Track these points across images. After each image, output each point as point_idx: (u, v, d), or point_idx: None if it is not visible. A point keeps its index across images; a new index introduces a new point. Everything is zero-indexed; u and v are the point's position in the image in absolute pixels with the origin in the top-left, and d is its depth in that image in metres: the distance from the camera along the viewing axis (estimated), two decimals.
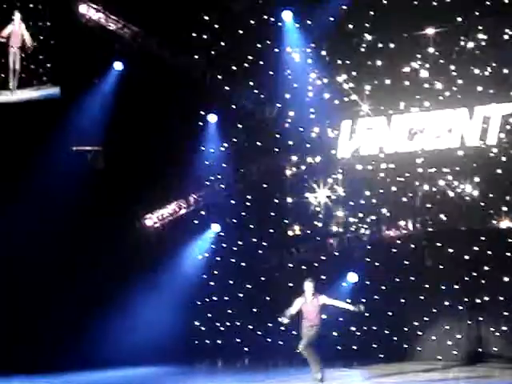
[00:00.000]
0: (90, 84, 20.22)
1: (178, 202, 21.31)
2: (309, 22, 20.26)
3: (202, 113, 21.23)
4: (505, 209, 18.63)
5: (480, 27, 18.87)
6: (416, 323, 19.57)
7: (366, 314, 19.50)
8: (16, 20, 19.71)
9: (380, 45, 19.82)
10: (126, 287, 19.40)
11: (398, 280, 19.69)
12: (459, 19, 19.04)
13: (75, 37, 19.82)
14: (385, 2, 19.69)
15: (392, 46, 19.70)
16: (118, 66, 20.69)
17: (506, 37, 18.71)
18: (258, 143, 21.09)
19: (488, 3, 18.81)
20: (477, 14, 18.87)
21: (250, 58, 20.93)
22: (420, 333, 19.55)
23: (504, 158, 18.71)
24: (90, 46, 19.76)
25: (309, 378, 15.22)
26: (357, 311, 15.40)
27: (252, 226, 21.14)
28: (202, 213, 21.42)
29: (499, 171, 18.74)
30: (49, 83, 19.72)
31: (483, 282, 19.03)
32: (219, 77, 20.99)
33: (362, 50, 19.96)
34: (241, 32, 20.85)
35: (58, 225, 19.09)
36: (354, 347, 19.87)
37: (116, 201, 20.19)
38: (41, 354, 18.18)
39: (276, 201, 20.97)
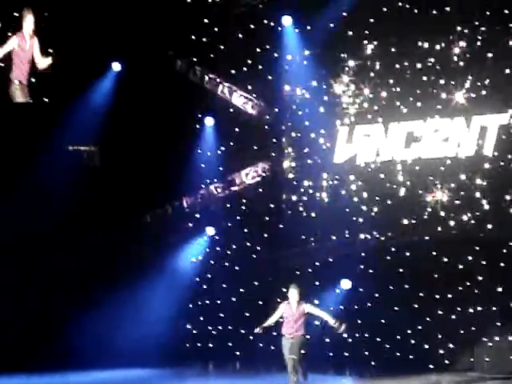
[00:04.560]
0: (87, 84, 20.17)
1: (174, 204, 21.30)
2: (308, 28, 20.25)
3: (200, 115, 21.22)
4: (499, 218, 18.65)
5: (479, 37, 18.89)
6: (409, 331, 19.53)
7: (358, 321, 19.64)
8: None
9: (379, 52, 19.83)
10: (118, 288, 19.34)
11: (391, 288, 19.66)
12: (459, 28, 19.07)
13: (73, 35, 19.75)
14: (385, 9, 19.69)
15: (391, 53, 19.69)
16: (116, 66, 20.68)
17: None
18: (255, 147, 21.07)
19: (488, 13, 18.83)
20: (476, 23, 18.90)
21: (248, 61, 20.92)
22: (412, 341, 19.52)
23: (500, 169, 18.72)
24: (89, 45, 19.71)
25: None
26: (336, 329, 14.65)
27: (247, 230, 21.11)
28: (197, 216, 21.39)
29: (495, 181, 18.75)
30: None
31: (476, 291, 19.02)
32: (218, 80, 21.00)
33: (361, 56, 19.96)
34: (240, 36, 20.86)
35: (52, 224, 19.04)
36: (346, 354, 19.83)
37: (111, 200, 20.16)
38: (23, 354, 18.09)
39: (271, 205, 20.94)
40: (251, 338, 20.48)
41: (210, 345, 21.07)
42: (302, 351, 14.53)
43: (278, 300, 15.16)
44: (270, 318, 14.71)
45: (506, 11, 18.65)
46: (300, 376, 14.43)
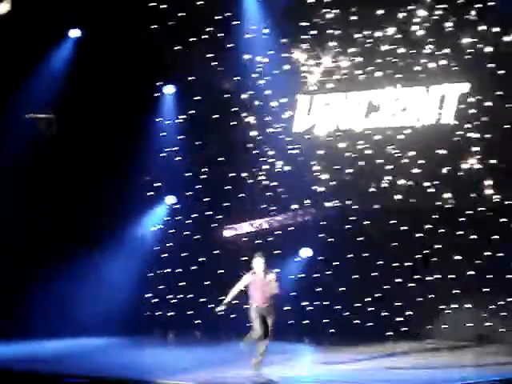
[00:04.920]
0: (45, 50, 19.92)
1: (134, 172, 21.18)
2: None
3: (159, 83, 21.07)
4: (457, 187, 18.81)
5: (439, 6, 18.93)
6: (367, 299, 19.66)
7: (318, 289, 19.75)
8: None
9: (339, 21, 19.79)
10: (77, 257, 19.27)
11: (350, 256, 19.76)
12: None
13: (32, 2, 19.49)
14: None
15: (351, 22, 19.66)
16: (74, 33, 20.43)
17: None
18: (216, 116, 20.99)
19: None
20: None
21: (209, 29, 20.77)
22: (370, 309, 19.65)
23: (459, 138, 18.85)
24: (47, 12, 19.45)
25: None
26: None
27: (207, 199, 21.07)
28: (157, 184, 21.32)
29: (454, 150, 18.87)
30: None
31: (434, 260, 19.17)
32: (177, 48, 20.85)
33: (321, 24, 19.91)
34: (200, 3, 20.67)
35: (8, 194, 18.86)
36: (305, 322, 19.93)
37: (69, 170, 20.00)
38: None
39: (232, 174, 20.92)
40: (211, 306, 20.53)
41: (170, 313, 21.08)
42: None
43: (243, 273, 14.89)
44: (232, 291, 14.43)
45: None
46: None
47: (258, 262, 14.32)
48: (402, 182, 19.32)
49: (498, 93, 18.54)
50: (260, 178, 20.57)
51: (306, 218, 20.17)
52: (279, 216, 20.54)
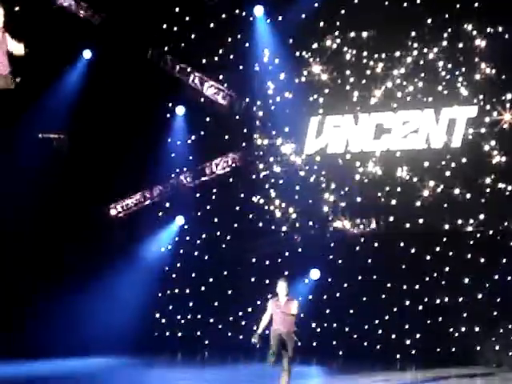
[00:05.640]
0: (58, 71, 20.06)
1: (143, 193, 21.28)
2: (280, 18, 20.27)
3: (170, 105, 21.19)
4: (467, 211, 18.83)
5: (449, 30, 19.03)
6: (376, 322, 19.66)
7: (327, 311, 19.74)
8: None
9: (350, 43, 19.89)
10: (88, 277, 19.30)
11: (360, 278, 19.77)
12: (429, 21, 19.18)
13: (44, 23, 19.64)
14: (356, 1, 19.76)
15: (361, 45, 19.77)
16: (87, 54, 20.61)
17: (476, 42, 18.83)
18: (226, 137, 21.07)
19: (458, 6, 18.96)
20: (446, 16, 19.03)
21: (220, 51, 20.90)
22: (380, 331, 19.64)
23: (466, 160, 18.89)
24: (60, 33, 19.61)
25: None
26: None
27: (216, 220, 21.12)
28: (167, 205, 21.39)
29: (463, 173, 18.90)
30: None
31: (443, 282, 19.17)
32: (189, 69, 20.98)
33: (332, 47, 20.01)
34: (211, 25, 20.81)
35: (20, 212, 18.94)
36: (314, 344, 19.92)
37: (80, 189, 20.08)
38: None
39: (241, 195, 20.97)
40: (220, 327, 20.58)
41: (179, 334, 21.09)
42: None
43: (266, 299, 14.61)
44: (262, 321, 13.72)
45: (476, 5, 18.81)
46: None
47: (282, 286, 13.74)
48: (411, 204, 19.33)
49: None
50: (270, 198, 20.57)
51: (315, 241, 20.14)
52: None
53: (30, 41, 18.62)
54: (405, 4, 19.42)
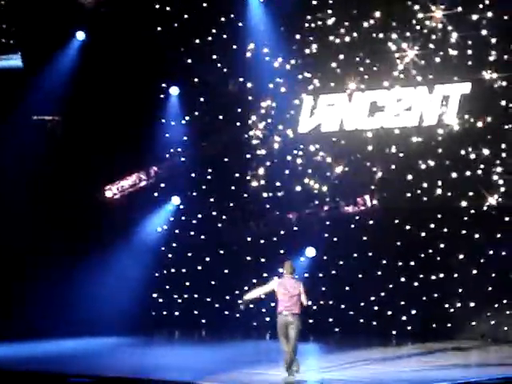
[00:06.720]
0: (51, 53, 20.05)
1: (139, 174, 21.31)
2: None
3: (164, 85, 21.19)
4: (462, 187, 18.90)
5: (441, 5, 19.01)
6: (372, 298, 19.77)
7: (323, 289, 19.86)
8: None
9: (344, 22, 19.86)
10: (85, 258, 19.37)
11: (355, 256, 19.87)
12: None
13: (38, 5, 19.60)
14: None
15: (355, 23, 19.74)
16: (80, 35, 20.57)
17: (473, 17, 18.79)
18: (220, 117, 21.09)
19: None
20: None
21: (213, 31, 20.87)
22: (376, 308, 19.75)
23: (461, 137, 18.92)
24: (53, 15, 19.57)
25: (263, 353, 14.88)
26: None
27: (212, 200, 21.18)
28: (162, 185, 21.43)
29: (458, 150, 18.94)
30: (10, 53, 19.39)
31: (438, 258, 19.27)
32: (182, 49, 20.95)
33: (326, 26, 19.99)
34: (204, 5, 20.76)
35: (15, 195, 18.98)
36: (310, 321, 20.00)
37: (76, 171, 20.12)
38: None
39: (236, 175, 21.01)
40: (217, 306, 20.69)
41: (176, 313, 21.20)
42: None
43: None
44: (256, 290, 13.93)
45: None
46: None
47: (288, 266, 13.71)
48: (405, 181, 19.39)
49: None
50: (265, 177, 20.63)
51: (311, 219, 20.22)
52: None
53: (22, 23, 18.86)
54: None
